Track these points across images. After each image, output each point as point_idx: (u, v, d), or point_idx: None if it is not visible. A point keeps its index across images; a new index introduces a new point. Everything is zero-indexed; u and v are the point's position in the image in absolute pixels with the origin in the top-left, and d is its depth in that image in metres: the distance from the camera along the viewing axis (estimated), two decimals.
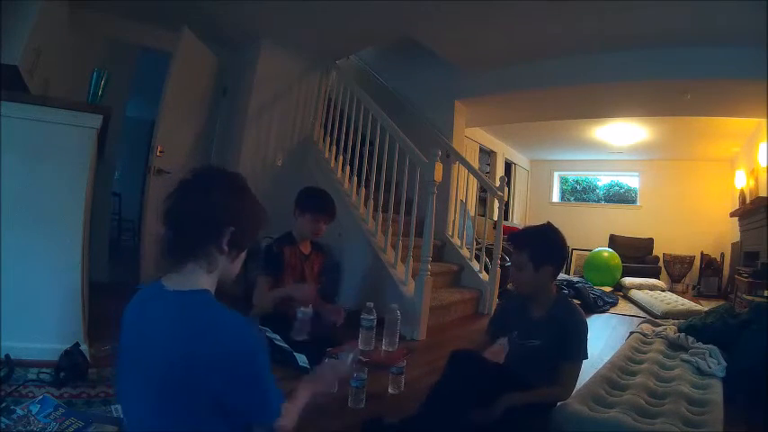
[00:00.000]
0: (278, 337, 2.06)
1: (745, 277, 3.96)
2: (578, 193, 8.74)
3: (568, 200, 8.67)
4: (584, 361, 1.45)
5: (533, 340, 1.47)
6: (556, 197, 8.61)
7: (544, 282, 1.47)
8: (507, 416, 1.32)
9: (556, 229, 1.50)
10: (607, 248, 6.52)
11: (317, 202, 2.25)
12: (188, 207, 0.82)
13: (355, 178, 3.51)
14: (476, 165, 5.62)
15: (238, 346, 0.75)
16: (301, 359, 1.97)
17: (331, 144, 3.80)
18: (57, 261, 1.73)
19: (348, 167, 3.57)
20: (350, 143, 3.57)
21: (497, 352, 1.45)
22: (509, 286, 3.36)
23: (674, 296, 5.01)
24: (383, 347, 2.10)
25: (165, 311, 0.79)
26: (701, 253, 6.26)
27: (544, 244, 1.46)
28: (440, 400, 1.39)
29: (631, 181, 8.02)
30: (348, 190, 3.46)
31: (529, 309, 1.53)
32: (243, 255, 0.90)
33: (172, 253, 0.82)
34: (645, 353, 2.28)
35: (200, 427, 0.75)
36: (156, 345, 0.76)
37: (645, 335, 2.59)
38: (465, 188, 4.07)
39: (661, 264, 6.65)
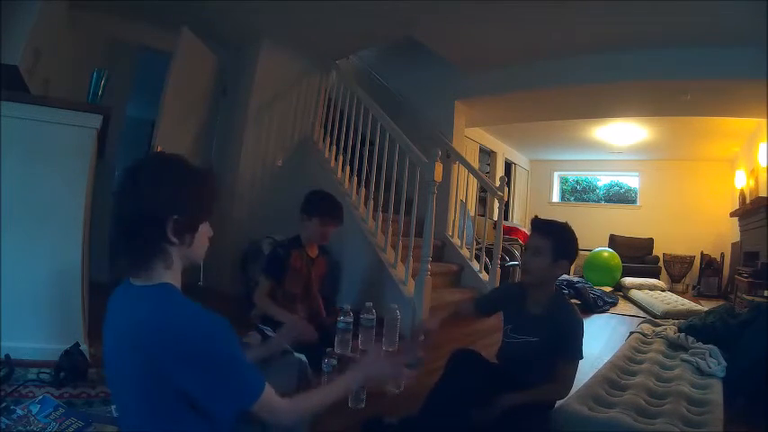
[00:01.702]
0: None
1: (745, 277, 3.96)
2: (578, 193, 8.74)
3: (568, 200, 8.68)
4: (581, 361, 1.45)
5: (530, 337, 1.48)
6: (556, 197, 8.61)
7: (555, 275, 1.48)
8: (507, 416, 1.32)
9: None
10: (607, 248, 6.51)
11: (324, 207, 2.24)
12: (124, 208, 0.77)
13: (355, 178, 3.51)
14: (476, 165, 5.62)
15: (193, 333, 0.72)
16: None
17: (331, 144, 3.80)
18: (57, 261, 1.73)
19: (348, 167, 3.57)
20: (350, 143, 3.56)
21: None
22: None
23: (674, 296, 5.00)
24: (383, 347, 2.10)
25: (128, 308, 0.78)
26: (701, 253, 6.26)
27: (569, 238, 1.47)
28: (440, 399, 1.39)
29: (631, 181, 8.03)
30: (348, 190, 3.46)
31: (526, 304, 1.52)
32: (202, 231, 0.83)
33: (125, 256, 0.78)
34: (645, 353, 2.28)
35: (179, 427, 0.73)
36: (124, 342, 0.75)
37: (645, 335, 2.59)
38: (465, 188, 4.07)
39: (661, 264, 6.66)
